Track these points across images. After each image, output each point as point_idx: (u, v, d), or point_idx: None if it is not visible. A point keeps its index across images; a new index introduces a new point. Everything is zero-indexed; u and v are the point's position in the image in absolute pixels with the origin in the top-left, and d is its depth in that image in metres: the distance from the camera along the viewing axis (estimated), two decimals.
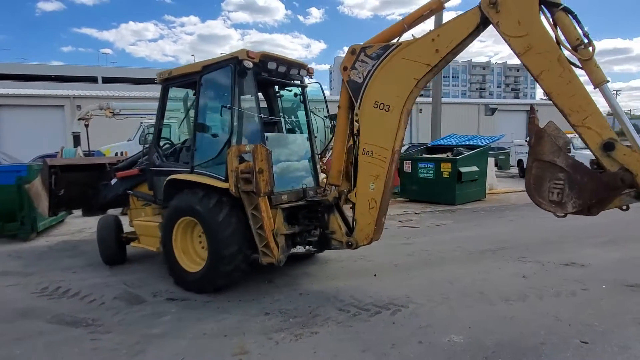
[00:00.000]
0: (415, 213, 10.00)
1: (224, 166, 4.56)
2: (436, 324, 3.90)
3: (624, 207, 3.27)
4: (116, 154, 12.69)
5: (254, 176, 4.22)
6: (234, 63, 4.70)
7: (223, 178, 4.59)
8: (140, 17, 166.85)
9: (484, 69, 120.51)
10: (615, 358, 3.26)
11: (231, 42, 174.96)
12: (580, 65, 3.26)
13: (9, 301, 4.69)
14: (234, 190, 4.37)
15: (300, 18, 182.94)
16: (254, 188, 4.27)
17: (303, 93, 5.65)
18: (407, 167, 11.79)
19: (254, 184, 4.24)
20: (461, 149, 11.80)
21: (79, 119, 13.30)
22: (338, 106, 4.59)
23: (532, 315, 4.07)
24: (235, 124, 4.67)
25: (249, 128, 4.98)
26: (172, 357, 3.34)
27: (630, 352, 3.34)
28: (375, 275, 5.33)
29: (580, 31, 3.26)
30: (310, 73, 5.50)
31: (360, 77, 4.26)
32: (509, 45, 3.48)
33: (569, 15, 3.28)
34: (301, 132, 5.87)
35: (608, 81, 3.23)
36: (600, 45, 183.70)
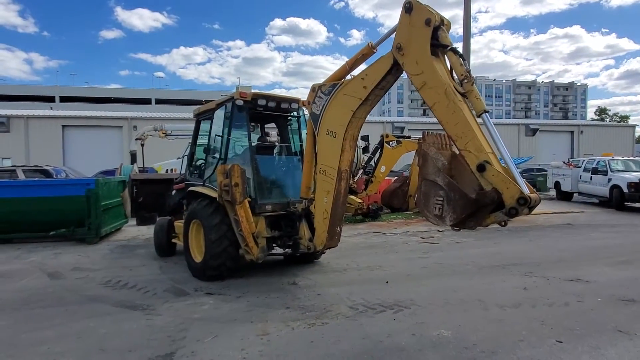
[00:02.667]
0: (439, 230, 10.46)
1: None
2: (431, 321, 4.50)
3: (503, 224, 3.55)
4: (167, 170, 14.09)
5: (231, 189, 5.37)
6: (230, 102, 6.14)
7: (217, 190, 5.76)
8: (190, 42, 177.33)
9: (529, 88, 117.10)
10: (582, 356, 3.72)
11: (274, 64, 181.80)
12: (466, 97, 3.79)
13: (80, 289, 5.75)
14: (219, 199, 5.59)
15: (342, 40, 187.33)
16: (231, 198, 5.41)
17: (298, 122, 6.88)
18: None
19: (230, 195, 5.39)
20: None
21: (136, 139, 14.87)
22: (307, 134, 5.58)
23: (520, 320, 4.57)
24: (223, 148, 6.03)
25: (238, 151, 6.44)
26: (208, 334, 4.16)
27: (598, 352, 3.79)
28: (387, 282, 5.96)
29: (465, 68, 3.82)
30: (304, 105, 6.42)
31: (318, 110, 5.14)
32: (412, 82, 4.08)
33: (456, 55, 3.88)
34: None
35: (487, 111, 3.74)
36: None
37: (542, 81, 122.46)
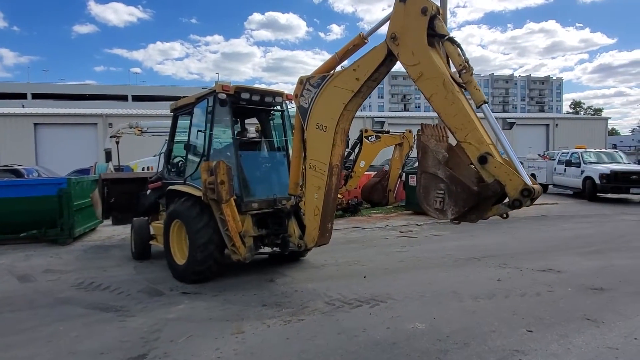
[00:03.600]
0: (417, 224, 10.59)
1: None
2: (406, 315, 4.55)
3: (504, 216, 3.51)
4: (143, 168, 13.82)
5: (216, 186, 5.16)
6: (212, 95, 5.85)
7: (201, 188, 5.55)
8: (167, 37, 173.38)
9: (506, 82, 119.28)
10: (551, 344, 3.82)
11: (254, 60, 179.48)
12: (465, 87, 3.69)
13: (51, 292, 5.59)
14: (203, 198, 5.35)
15: (322, 35, 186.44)
16: (216, 196, 5.20)
17: (282, 116, 6.65)
18: (412, 181, 12.39)
19: (216, 193, 5.18)
20: None
21: (110, 137, 14.54)
22: (293, 128, 5.44)
23: (493, 311, 4.67)
24: (206, 144, 5.79)
25: (222, 147, 6.21)
26: (182, 335, 4.11)
27: (566, 340, 3.90)
28: (364, 277, 5.99)
29: (463, 58, 3.70)
30: (289, 99, 6.38)
31: (306, 103, 4.98)
32: (408, 73, 3.94)
33: (454, 45, 3.75)
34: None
35: (486, 102, 3.63)
36: (631, 55, 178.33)
37: (519, 75, 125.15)
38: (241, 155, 6.00)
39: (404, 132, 14.13)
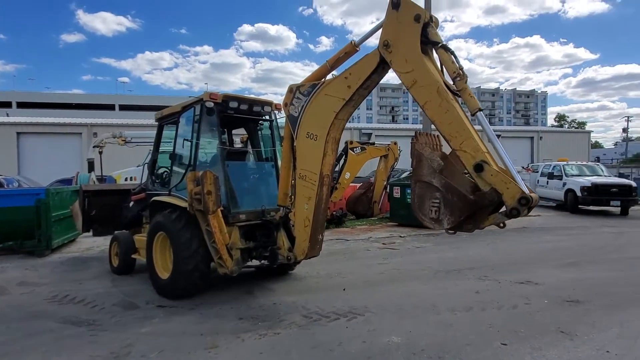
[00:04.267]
0: (400, 236, 10.61)
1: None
2: (382, 328, 4.53)
3: (501, 225, 3.43)
4: (126, 179, 13.67)
5: (203, 197, 5.03)
6: (199, 104, 5.73)
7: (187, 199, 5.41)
8: (156, 47, 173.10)
9: (493, 95, 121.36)
10: (524, 358, 3.83)
11: (243, 70, 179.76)
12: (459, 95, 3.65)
13: (23, 305, 5.45)
14: (189, 209, 5.21)
15: (311, 46, 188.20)
16: (203, 207, 5.09)
17: (270, 126, 6.56)
18: (397, 192, 12.48)
19: (203, 204, 5.05)
20: None
21: (94, 146, 14.37)
22: (283, 137, 5.37)
23: (470, 324, 4.67)
24: (193, 154, 5.67)
25: (209, 157, 6.10)
26: (154, 350, 4.03)
27: (540, 353, 3.92)
28: (344, 290, 5.97)
29: (457, 65, 3.65)
30: (277, 108, 6.31)
31: (296, 112, 4.89)
32: (401, 80, 3.92)
33: (447, 52, 3.70)
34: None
35: (481, 109, 3.58)
36: (613, 70, 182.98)
37: (505, 89, 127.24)
38: (228, 165, 5.86)
39: (389, 144, 14.24)
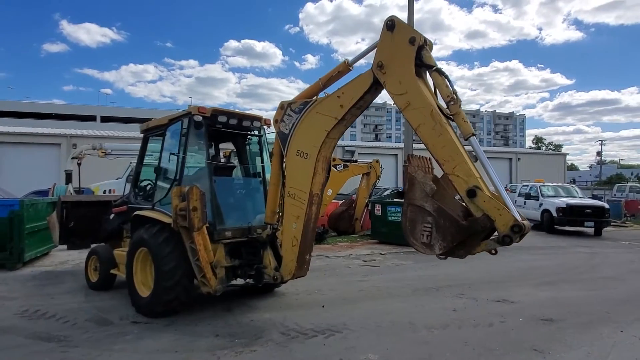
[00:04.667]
0: (381, 254, 10.66)
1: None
2: (360, 345, 4.53)
3: (493, 252, 3.41)
4: (105, 191, 13.42)
5: (189, 213, 4.89)
6: (187, 117, 5.64)
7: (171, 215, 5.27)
8: (141, 60, 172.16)
9: (474, 116, 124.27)
10: None
11: (228, 85, 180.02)
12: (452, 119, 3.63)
13: None
14: (173, 225, 5.06)
15: (297, 64, 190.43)
16: (188, 224, 4.95)
17: (259, 142, 6.50)
18: (378, 210, 12.58)
19: (188, 220, 4.91)
20: None
21: (72, 158, 14.11)
22: (272, 154, 5.33)
23: (446, 341, 4.72)
24: (179, 168, 5.56)
25: (195, 172, 5.98)
26: None
27: None
28: (323, 307, 5.95)
29: (451, 89, 3.64)
30: (267, 124, 6.29)
31: (287, 129, 4.85)
32: (394, 102, 3.93)
33: (442, 76, 3.70)
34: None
35: (474, 134, 3.57)
36: (587, 96, 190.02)
37: (485, 110, 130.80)
38: (215, 180, 5.71)
39: (371, 162, 14.41)
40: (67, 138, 25.69)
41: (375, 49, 4.08)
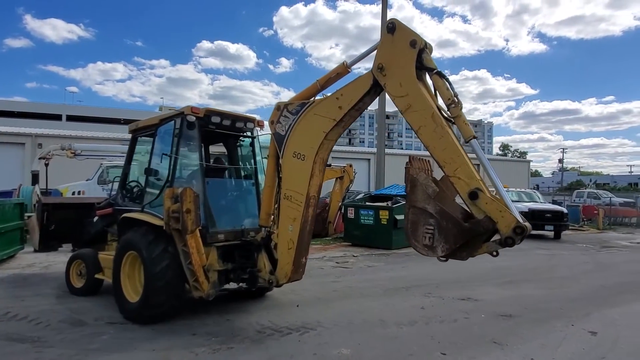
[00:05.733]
0: (354, 256, 10.95)
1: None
2: (333, 341, 4.75)
3: (494, 254, 3.43)
4: (74, 193, 13.11)
5: (182, 215, 4.79)
6: (179, 117, 5.55)
7: (163, 217, 5.17)
8: (109, 58, 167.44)
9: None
10: None
11: (201, 86, 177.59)
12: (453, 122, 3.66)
13: None
14: (165, 228, 4.97)
15: (271, 67, 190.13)
16: (181, 226, 4.86)
17: (252, 143, 6.43)
18: (351, 213, 12.88)
19: (181, 223, 4.82)
20: (399, 198, 13.04)
21: (39, 158, 13.70)
22: (267, 155, 5.28)
23: (414, 336, 5.00)
24: (171, 169, 5.46)
25: (188, 173, 5.90)
26: None
27: None
28: (297, 306, 6.14)
29: (452, 92, 3.68)
30: (260, 125, 6.26)
31: (283, 130, 4.80)
32: (395, 104, 3.93)
33: (442, 79, 3.72)
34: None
35: (476, 137, 3.63)
36: (550, 105, 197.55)
37: None
38: (208, 182, 5.59)
39: (344, 166, 14.72)
40: (32, 137, 24.75)
41: (375, 51, 4.09)
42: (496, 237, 3.41)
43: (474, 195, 3.34)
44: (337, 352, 4.44)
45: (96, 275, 6.29)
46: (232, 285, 5.68)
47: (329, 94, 4.60)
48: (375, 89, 4.15)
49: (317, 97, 4.75)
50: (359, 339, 4.83)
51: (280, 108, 4.86)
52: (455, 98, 3.64)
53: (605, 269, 10.22)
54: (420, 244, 3.52)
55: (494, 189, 3.58)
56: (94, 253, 6.49)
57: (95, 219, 6.82)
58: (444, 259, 3.54)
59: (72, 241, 7.34)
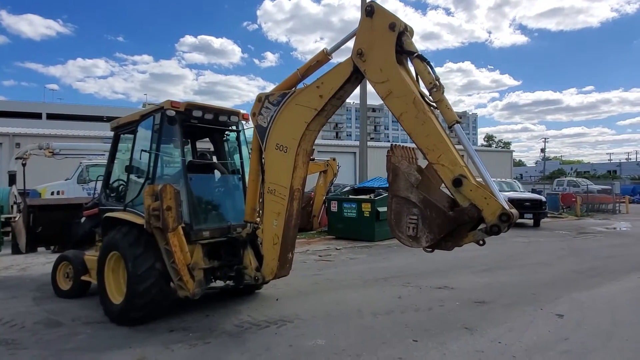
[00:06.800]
0: (337, 249, 11.06)
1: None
2: (309, 333, 4.84)
3: (481, 242, 3.29)
4: (52, 193, 12.93)
5: (162, 213, 4.68)
6: (159, 113, 5.41)
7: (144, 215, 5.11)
8: (90, 54, 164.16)
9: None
10: (430, 351, 4.32)
11: (185, 82, 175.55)
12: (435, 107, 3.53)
13: None
14: (146, 226, 4.88)
15: (256, 61, 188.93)
16: (162, 224, 4.78)
17: (237, 137, 6.28)
18: (334, 207, 12.98)
19: (161, 221, 4.73)
20: (381, 190, 13.18)
21: (16, 158, 13.44)
22: (251, 149, 5.11)
23: (389, 325, 5.12)
24: (151, 166, 5.35)
25: (169, 170, 5.82)
26: None
27: (444, 346, 4.43)
28: (277, 300, 6.21)
29: (433, 76, 3.55)
30: (245, 119, 6.14)
31: (265, 122, 4.67)
32: (375, 91, 3.78)
33: (424, 62, 3.60)
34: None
35: (459, 122, 3.51)
36: (533, 96, 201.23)
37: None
38: (191, 178, 5.48)
39: (328, 160, 14.79)
40: (10, 137, 24.21)
41: (355, 37, 3.95)
42: (482, 225, 3.31)
43: (457, 182, 3.25)
44: (312, 343, 4.53)
45: (82, 277, 6.19)
46: (219, 284, 5.65)
47: (309, 83, 4.47)
48: (356, 75, 4.01)
49: (299, 87, 4.59)
50: (335, 330, 4.93)
51: (262, 99, 4.74)
52: (436, 82, 3.52)
53: (578, 254, 10.54)
54: (405, 234, 3.43)
55: (481, 178, 3.45)
56: (80, 254, 6.38)
57: (83, 219, 6.72)
58: (430, 249, 3.45)
59: (60, 243, 7.22)
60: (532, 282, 7.37)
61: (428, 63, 3.62)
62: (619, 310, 5.71)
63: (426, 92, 3.66)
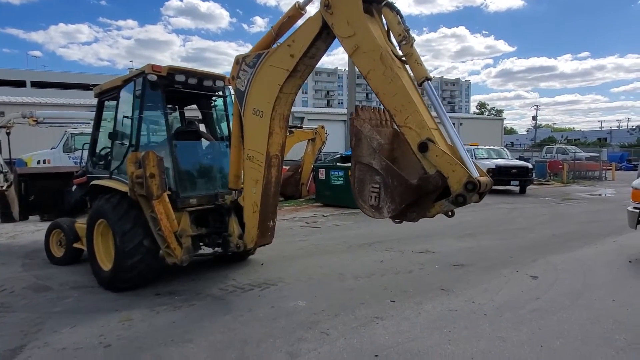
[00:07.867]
0: (324, 216, 11.23)
1: None
2: (291, 295, 5.01)
3: (449, 214, 3.11)
4: (39, 162, 12.83)
5: (146, 180, 4.66)
6: (140, 77, 5.28)
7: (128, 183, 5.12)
8: (72, 19, 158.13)
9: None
10: (406, 310, 4.51)
11: (172, 48, 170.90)
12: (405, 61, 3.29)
13: None
14: (130, 194, 4.91)
15: (245, 26, 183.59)
16: (146, 192, 4.78)
17: (224, 103, 6.13)
18: (322, 174, 13.06)
19: (145, 188, 4.72)
20: None
21: (0, 127, 13.23)
22: (232, 114, 5.00)
23: (368, 287, 5.31)
24: (134, 133, 5.27)
25: (155, 137, 5.77)
26: (66, 326, 4.15)
27: (420, 306, 4.63)
28: (262, 265, 6.37)
29: (403, 27, 3.29)
30: (230, 83, 6.11)
31: (242, 86, 4.45)
32: (343, 47, 3.53)
33: (393, 11, 3.35)
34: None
35: (429, 78, 3.20)
36: (527, 62, 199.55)
37: (434, 77, 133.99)
38: (177, 145, 5.41)
39: (316, 128, 14.76)
40: None
41: None
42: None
43: (423, 146, 3.00)
44: (293, 304, 4.70)
45: (74, 245, 6.25)
46: (207, 250, 5.73)
47: (282, 42, 4.19)
48: (327, 30, 3.69)
49: (274, 47, 4.31)
50: (316, 292, 5.11)
51: (239, 61, 4.50)
52: (405, 33, 3.25)
53: (560, 219, 10.81)
54: (367, 204, 3.24)
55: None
56: (71, 222, 6.44)
57: (74, 187, 6.73)
58: (398, 220, 3.27)
59: (52, 211, 7.26)
60: (511, 246, 7.61)
61: (398, 12, 3.37)
62: (591, 273, 5.95)
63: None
